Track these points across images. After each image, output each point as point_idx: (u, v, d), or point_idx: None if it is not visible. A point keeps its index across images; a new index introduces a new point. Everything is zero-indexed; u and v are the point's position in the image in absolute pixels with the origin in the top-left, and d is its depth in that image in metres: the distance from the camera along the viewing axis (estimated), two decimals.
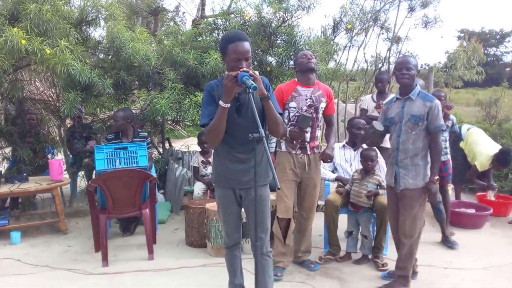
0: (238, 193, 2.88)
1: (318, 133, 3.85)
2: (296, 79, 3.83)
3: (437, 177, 3.48)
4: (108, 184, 4.11)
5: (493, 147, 5.45)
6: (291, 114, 3.74)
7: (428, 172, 3.46)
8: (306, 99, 3.73)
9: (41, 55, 4.45)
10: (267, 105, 2.65)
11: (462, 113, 10.68)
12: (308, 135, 3.75)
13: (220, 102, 2.57)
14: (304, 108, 3.72)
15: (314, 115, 3.73)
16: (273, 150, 4.79)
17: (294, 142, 3.71)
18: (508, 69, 34.31)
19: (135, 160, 4.40)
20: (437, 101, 3.44)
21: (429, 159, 3.48)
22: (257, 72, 2.57)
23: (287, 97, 3.74)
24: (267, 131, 2.44)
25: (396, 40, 7.06)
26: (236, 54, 2.62)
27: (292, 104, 3.73)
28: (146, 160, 4.44)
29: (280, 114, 2.78)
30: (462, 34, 33.58)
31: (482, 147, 5.42)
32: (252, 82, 2.40)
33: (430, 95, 3.52)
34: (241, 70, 2.52)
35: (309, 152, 3.78)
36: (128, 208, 4.31)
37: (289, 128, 3.70)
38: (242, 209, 2.97)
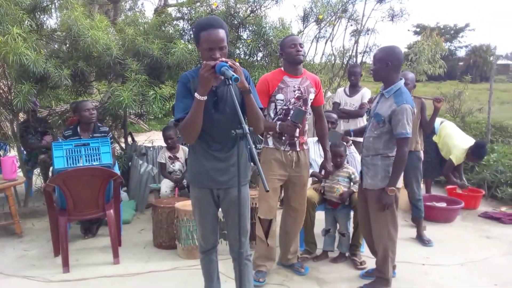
0: (215, 193, 2.68)
1: (306, 127, 3.59)
2: (282, 69, 3.50)
3: (391, 188, 3.16)
4: (68, 183, 3.79)
5: (467, 140, 5.47)
6: (279, 107, 3.43)
7: (390, 174, 3.20)
8: (294, 91, 3.43)
9: None
10: (248, 99, 2.44)
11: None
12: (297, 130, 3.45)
13: (196, 95, 2.35)
14: (293, 100, 3.42)
15: (304, 108, 3.44)
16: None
17: (284, 137, 3.43)
18: (461, 63, 35.51)
19: (98, 157, 4.07)
20: (405, 106, 3.08)
21: (392, 160, 3.21)
22: (237, 63, 2.36)
23: (273, 88, 3.41)
24: (251, 127, 2.23)
25: (364, 32, 6.99)
26: (208, 43, 2.39)
27: (280, 96, 3.41)
28: (110, 157, 4.12)
29: (261, 109, 2.58)
30: (418, 29, 34.55)
31: (457, 141, 5.42)
32: (233, 73, 2.19)
33: (403, 97, 3.13)
34: (220, 60, 2.30)
35: (298, 149, 3.51)
36: (91, 209, 4.00)
37: (278, 122, 3.41)
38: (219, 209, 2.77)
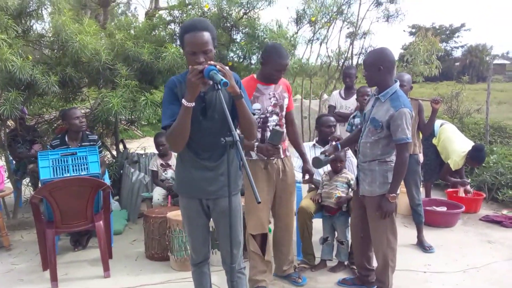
0: (205, 203, 2.55)
1: (285, 132, 3.43)
2: (255, 76, 3.35)
3: (392, 195, 3.03)
4: (55, 195, 3.63)
5: (466, 144, 5.34)
6: (256, 117, 3.21)
7: (389, 180, 3.06)
8: (270, 98, 3.30)
9: None
10: (240, 104, 2.30)
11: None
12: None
13: (183, 101, 2.21)
14: (270, 108, 3.29)
15: (280, 114, 3.34)
16: None
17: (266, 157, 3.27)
18: (457, 63, 35.52)
19: (86, 167, 3.93)
20: (403, 110, 2.94)
21: (390, 165, 3.08)
22: (227, 67, 2.22)
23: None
24: (241, 134, 2.09)
25: (360, 34, 6.89)
26: (191, 47, 2.26)
27: (256, 106, 3.25)
28: (98, 166, 3.98)
29: (253, 114, 2.44)
30: (413, 30, 34.53)
31: (456, 145, 5.29)
32: (222, 77, 2.05)
33: (400, 101, 2.98)
34: (208, 63, 2.17)
35: (282, 156, 3.38)
36: (79, 221, 3.84)
37: (256, 144, 3.25)
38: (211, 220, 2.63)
